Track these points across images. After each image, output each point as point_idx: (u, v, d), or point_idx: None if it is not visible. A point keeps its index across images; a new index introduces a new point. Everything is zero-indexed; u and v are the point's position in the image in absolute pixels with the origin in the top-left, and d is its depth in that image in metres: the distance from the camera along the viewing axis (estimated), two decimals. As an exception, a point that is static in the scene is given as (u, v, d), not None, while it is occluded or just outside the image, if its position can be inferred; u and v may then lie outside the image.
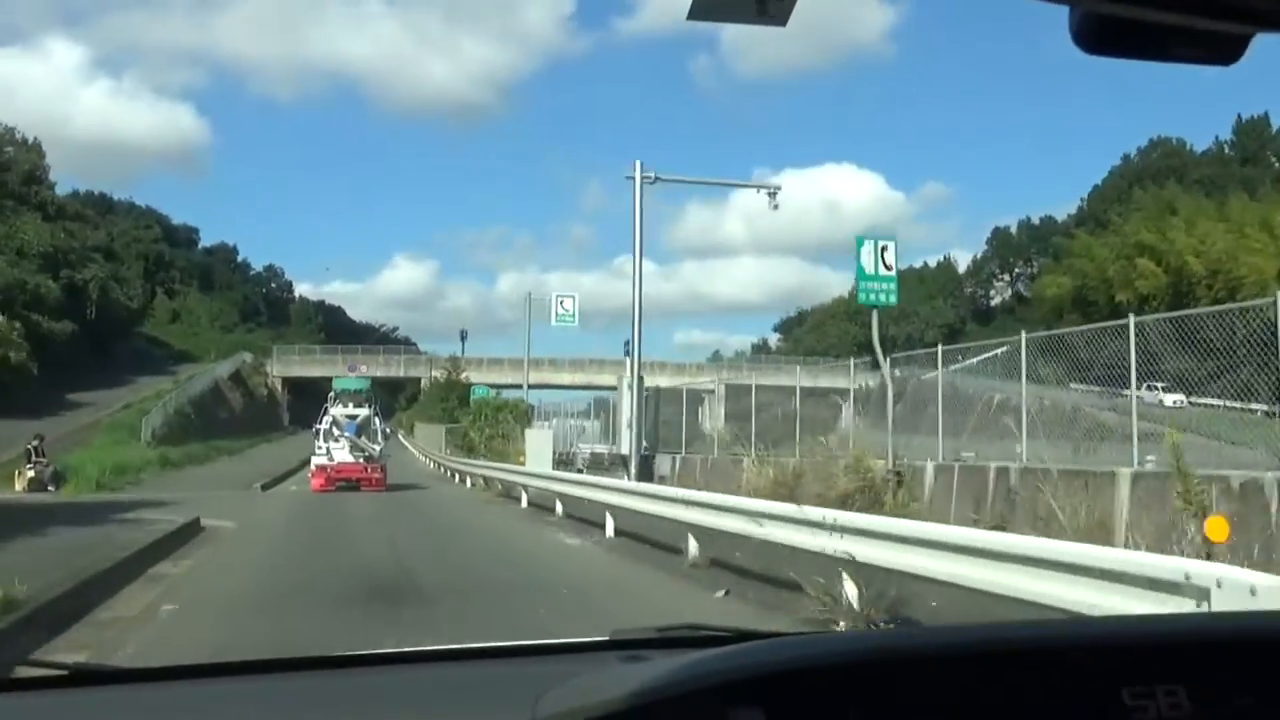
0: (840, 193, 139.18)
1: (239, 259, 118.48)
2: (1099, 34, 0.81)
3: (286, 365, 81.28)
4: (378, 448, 26.84)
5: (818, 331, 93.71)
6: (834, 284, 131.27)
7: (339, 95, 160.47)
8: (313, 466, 26.80)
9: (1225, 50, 0.82)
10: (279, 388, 79.92)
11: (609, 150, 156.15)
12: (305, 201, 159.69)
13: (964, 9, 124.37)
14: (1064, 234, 73.51)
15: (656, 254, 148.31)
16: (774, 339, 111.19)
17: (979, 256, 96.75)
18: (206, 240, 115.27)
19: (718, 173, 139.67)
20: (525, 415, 34.64)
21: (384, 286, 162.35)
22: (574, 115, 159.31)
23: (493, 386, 72.53)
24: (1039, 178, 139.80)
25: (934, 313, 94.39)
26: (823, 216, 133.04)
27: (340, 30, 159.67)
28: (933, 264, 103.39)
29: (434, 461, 44.20)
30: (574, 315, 33.19)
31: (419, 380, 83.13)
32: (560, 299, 33.57)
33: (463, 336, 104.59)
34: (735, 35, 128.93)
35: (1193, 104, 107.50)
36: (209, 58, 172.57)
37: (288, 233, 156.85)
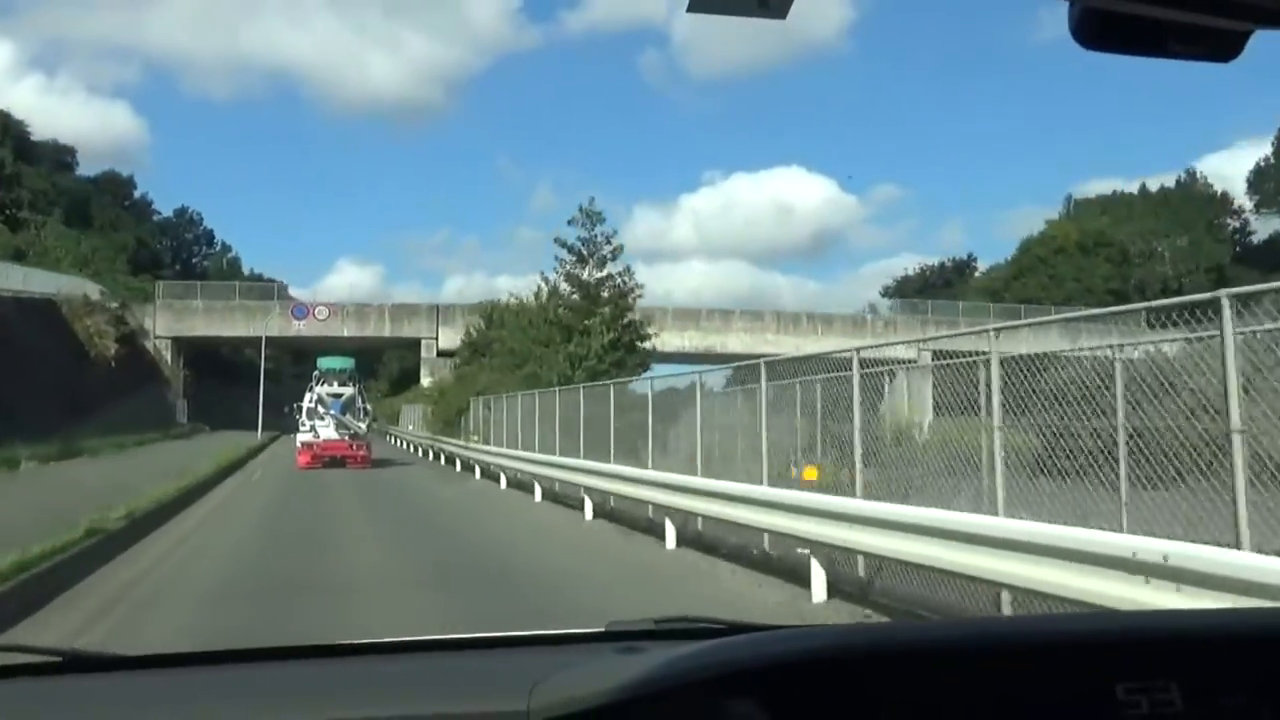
0: (791, 196, 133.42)
1: (137, 195, 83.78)
2: (1098, 30, 0.80)
3: (182, 318, 47.04)
4: (363, 425, 26.74)
5: (1032, 275, 61.43)
6: (784, 287, 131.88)
7: (279, 94, 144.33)
8: (299, 444, 26.32)
9: (1224, 47, 0.82)
10: (166, 354, 45.54)
11: (557, 149, 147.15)
12: (247, 206, 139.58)
13: (926, 4, 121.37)
14: None
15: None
16: (884, 305, 78.01)
17: (1263, 163, 65.33)
18: (89, 168, 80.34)
19: (667, 173, 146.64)
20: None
21: (327, 293, 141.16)
22: (521, 113, 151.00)
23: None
24: (1004, 178, 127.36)
25: (1192, 250, 62.79)
26: (773, 220, 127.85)
27: (281, 27, 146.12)
28: (1156, 186, 71.87)
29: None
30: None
31: (418, 346, 49.45)
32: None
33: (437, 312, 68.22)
34: (687, 31, 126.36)
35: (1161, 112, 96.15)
36: (143, 55, 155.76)
37: (233, 240, 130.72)
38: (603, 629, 1.80)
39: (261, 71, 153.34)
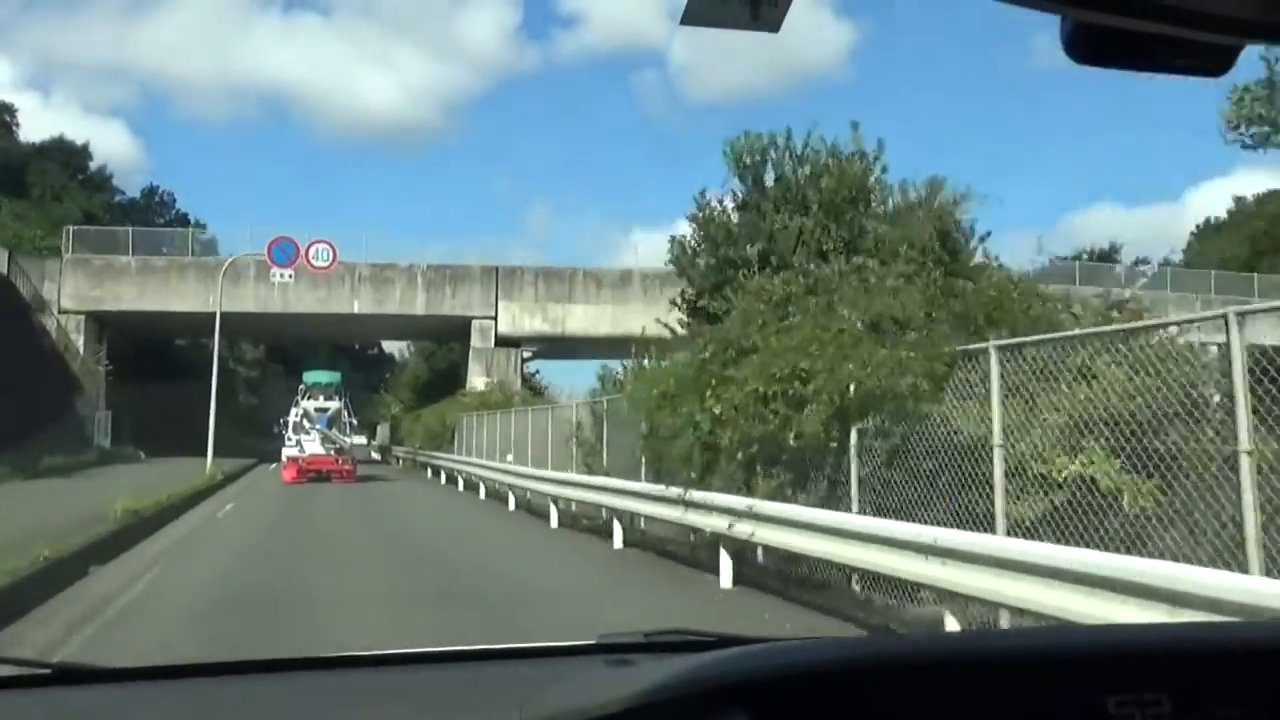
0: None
1: (93, 166, 68.18)
2: (1090, 44, 0.82)
3: (102, 282, 30.93)
4: (349, 440, 26.94)
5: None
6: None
7: (275, 115, 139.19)
8: (284, 458, 26.63)
9: (1215, 61, 0.83)
10: (75, 335, 29.44)
11: (554, 171, 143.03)
12: (238, 223, 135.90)
13: (928, 28, 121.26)
14: None
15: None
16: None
17: None
18: (32, 133, 64.83)
19: (667, 197, 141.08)
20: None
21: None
22: (519, 134, 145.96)
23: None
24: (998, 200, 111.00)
25: None
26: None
27: (280, 50, 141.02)
28: None
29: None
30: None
31: (466, 330, 33.40)
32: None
33: (496, 276, 51.42)
34: (685, 53, 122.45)
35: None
36: (139, 76, 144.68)
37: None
38: (594, 641, 1.77)
39: (257, 93, 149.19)
